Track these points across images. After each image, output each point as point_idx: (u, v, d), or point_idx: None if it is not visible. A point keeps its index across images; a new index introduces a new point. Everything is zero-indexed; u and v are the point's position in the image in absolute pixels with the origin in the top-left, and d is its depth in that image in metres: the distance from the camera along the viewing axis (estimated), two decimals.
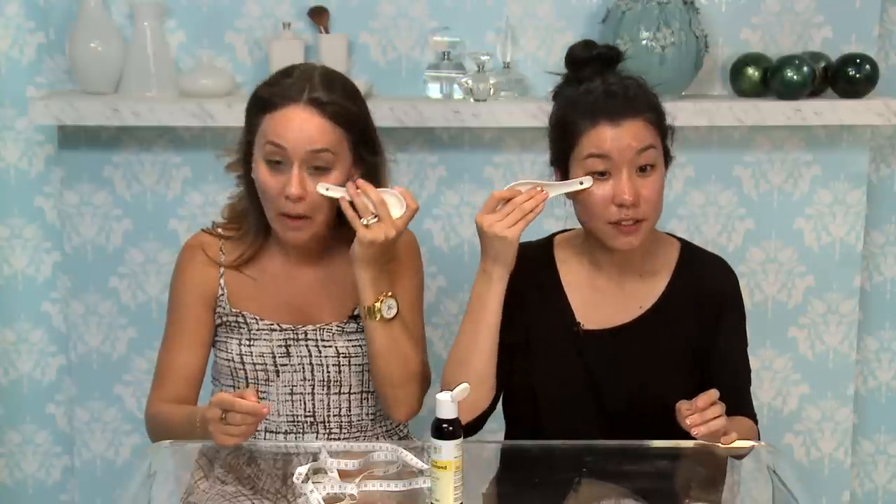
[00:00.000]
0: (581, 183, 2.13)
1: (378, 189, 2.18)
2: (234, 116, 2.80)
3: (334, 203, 2.19)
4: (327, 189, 2.17)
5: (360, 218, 2.16)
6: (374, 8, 3.01)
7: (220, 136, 2.91)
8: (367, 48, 3.03)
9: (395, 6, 3.01)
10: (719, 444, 2.09)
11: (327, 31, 2.97)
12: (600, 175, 2.13)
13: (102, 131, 3.00)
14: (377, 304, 2.20)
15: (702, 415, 2.05)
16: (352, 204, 2.16)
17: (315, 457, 2.05)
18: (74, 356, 3.12)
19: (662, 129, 2.19)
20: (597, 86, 2.16)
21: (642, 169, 2.14)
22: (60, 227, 3.08)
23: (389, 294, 2.21)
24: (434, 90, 3.00)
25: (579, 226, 2.24)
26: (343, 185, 2.19)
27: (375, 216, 2.15)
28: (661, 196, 2.17)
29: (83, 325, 3.10)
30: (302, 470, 1.97)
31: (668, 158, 2.21)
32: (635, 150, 2.12)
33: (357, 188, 2.17)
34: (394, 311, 2.21)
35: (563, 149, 2.18)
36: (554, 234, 2.34)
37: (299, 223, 2.20)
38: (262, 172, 2.20)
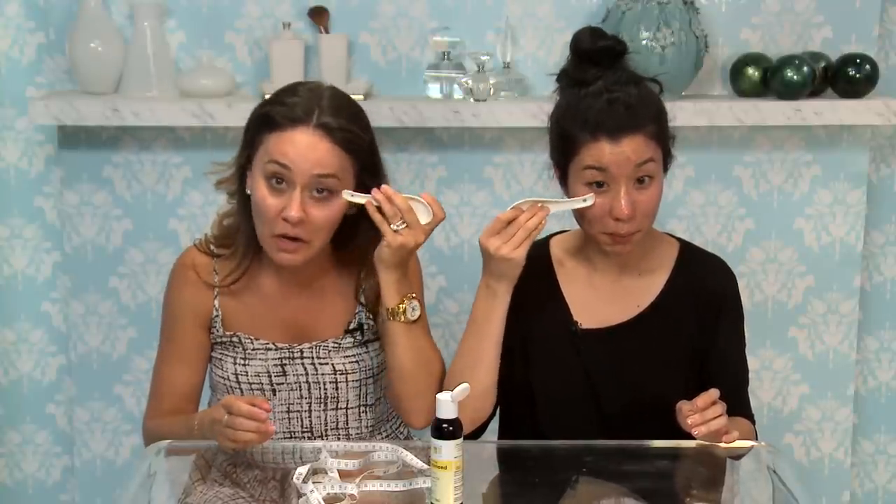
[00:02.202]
0: (584, 200, 2.13)
1: (404, 196, 2.14)
2: (234, 116, 2.80)
3: (332, 227, 2.17)
4: (352, 195, 2.13)
5: (388, 224, 2.12)
6: (374, 8, 3.01)
7: (220, 136, 2.91)
8: (367, 48, 3.03)
9: (395, 6, 3.01)
10: (720, 444, 2.09)
11: (327, 31, 2.97)
12: (598, 186, 2.13)
13: (102, 131, 3.00)
14: (401, 306, 2.17)
15: (702, 415, 2.05)
16: (378, 209, 2.12)
17: (315, 457, 2.05)
18: (74, 356, 3.12)
19: (664, 138, 2.18)
20: (598, 90, 2.14)
21: (640, 180, 2.14)
22: (60, 227, 3.08)
23: (413, 296, 2.19)
24: (434, 90, 3.00)
25: (576, 226, 2.24)
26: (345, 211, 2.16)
27: (404, 222, 2.12)
28: (658, 204, 2.18)
29: (83, 325, 3.10)
30: (302, 470, 1.97)
31: (668, 160, 2.21)
32: (634, 163, 2.12)
33: (383, 195, 2.12)
34: (417, 314, 2.19)
35: (562, 153, 2.18)
36: (550, 236, 2.34)
37: (294, 245, 2.15)
38: (260, 191, 2.14)
